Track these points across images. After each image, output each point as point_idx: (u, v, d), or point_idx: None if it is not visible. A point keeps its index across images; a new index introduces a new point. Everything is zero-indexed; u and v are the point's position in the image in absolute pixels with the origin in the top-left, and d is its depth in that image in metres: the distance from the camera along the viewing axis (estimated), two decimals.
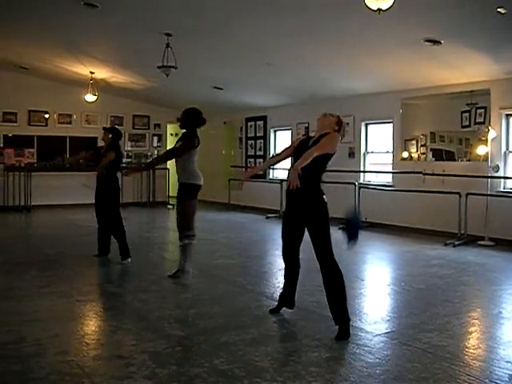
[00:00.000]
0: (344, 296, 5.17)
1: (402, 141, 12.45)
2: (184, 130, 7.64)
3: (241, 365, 4.31)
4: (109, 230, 8.73)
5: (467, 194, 10.58)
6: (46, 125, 17.10)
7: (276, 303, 6.02)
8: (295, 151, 5.51)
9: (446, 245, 10.29)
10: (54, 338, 4.94)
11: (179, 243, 7.26)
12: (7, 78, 15.93)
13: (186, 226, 7.15)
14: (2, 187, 15.90)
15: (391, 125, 12.71)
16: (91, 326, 5.64)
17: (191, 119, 7.63)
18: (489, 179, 10.57)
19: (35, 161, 16.75)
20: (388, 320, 5.70)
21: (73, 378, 4.04)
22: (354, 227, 5.42)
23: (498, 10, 7.10)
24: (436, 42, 8.78)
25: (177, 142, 7.53)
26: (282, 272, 8.20)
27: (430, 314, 5.85)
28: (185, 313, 5.84)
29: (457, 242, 10.38)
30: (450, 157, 11.51)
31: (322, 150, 5.13)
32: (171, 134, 20.51)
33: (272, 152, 16.60)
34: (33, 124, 16.89)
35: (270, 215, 14.83)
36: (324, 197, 5.20)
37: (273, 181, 16.07)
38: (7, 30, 11.29)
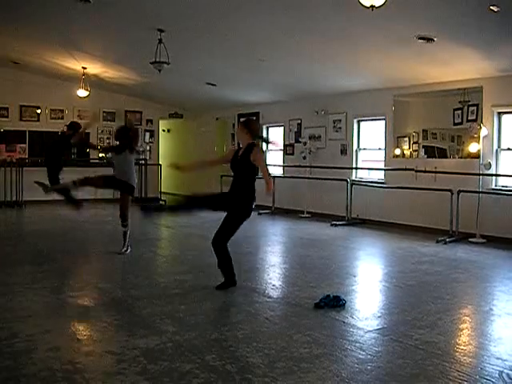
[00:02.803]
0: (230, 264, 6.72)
1: (394, 138, 12.47)
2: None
3: (232, 361, 4.32)
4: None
5: (459, 192, 10.60)
6: (38, 120, 17.05)
7: (267, 299, 6.05)
8: (231, 160, 6.77)
9: (437, 242, 10.32)
10: (45, 334, 4.93)
11: (124, 229, 9.12)
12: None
13: (126, 217, 9.14)
14: None
15: (383, 122, 12.72)
16: (82, 322, 5.62)
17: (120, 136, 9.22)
18: (480, 176, 10.60)
19: (27, 156, 16.70)
20: (379, 316, 5.71)
21: (64, 374, 4.03)
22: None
23: (491, 7, 7.12)
24: (429, 40, 8.79)
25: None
26: (275, 268, 8.30)
27: (422, 311, 5.86)
28: (176, 309, 5.82)
29: (448, 239, 10.41)
30: (442, 154, 11.54)
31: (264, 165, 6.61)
32: (163, 130, 20.49)
33: (264, 148, 16.58)
34: (24, 119, 16.84)
35: (262, 211, 14.84)
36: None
37: None
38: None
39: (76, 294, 6.45)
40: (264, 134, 6.57)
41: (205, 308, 5.88)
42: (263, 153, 6.90)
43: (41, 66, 15.17)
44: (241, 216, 6.72)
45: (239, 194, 6.65)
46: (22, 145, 16.81)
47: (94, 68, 14.43)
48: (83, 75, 14.79)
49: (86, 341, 4.85)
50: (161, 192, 18.66)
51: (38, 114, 17.07)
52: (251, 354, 4.45)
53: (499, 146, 10.75)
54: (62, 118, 17.33)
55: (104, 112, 18.08)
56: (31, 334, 4.93)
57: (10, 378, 3.96)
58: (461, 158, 11.16)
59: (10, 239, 10.48)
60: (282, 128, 15.75)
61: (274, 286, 7.07)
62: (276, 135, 16.28)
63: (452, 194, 10.71)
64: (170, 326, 5.18)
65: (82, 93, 15.24)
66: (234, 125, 17.68)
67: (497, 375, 4.11)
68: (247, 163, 6.52)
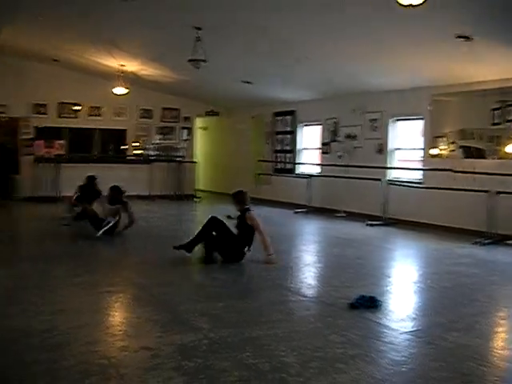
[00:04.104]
0: None
1: (431, 137, 12.34)
2: None
3: (266, 359, 4.32)
4: None
5: (497, 193, 10.45)
6: (76, 117, 17.25)
7: (302, 298, 6.09)
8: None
9: (474, 243, 10.18)
10: (82, 328, 5.00)
11: None
12: (39, 70, 16.11)
13: None
14: (32, 178, 16.10)
15: (421, 121, 12.60)
16: (119, 316, 5.71)
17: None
18: None
19: (65, 152, 16.91)
20: (414, 318, 5.66)
21: (100, 369, 4.08)
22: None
23: None
24: (467, 38, 8.67)
25: None
26: (310, 267, 8.31)
27: (457, 313, 5.81)
28: (212, 306, 5.85)
29: (485, 241, 10.26)
30: (480, 154, 11.38)
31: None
32: (200, 128, 20.56)
33: (300, 147, 16.56)
34: (63, 116, 17.07)
35: (297, 210, 14.82)
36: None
37: (301, 176, 16.05)
38: (41, 24, 11.40)
39: (113, 289, 6.52)
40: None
41: (240, 306, 5.90)
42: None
43: (79, 64, 15.35)
44: None
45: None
46: (60, 141, 17.04)
47: (131, 66, 14.55)
48: (121, 73, 14.93)
49: (121, 336, 4.90)
50: (196, 189, 18.74)
51: (76, 111, 17.26)
52: (285, 353, 4.45)
53: None
54: (100, 115, 17.54)
55: (141, 109, 18.21)
56: (70, 327, 5.01)
57: (49, 370, 4.04)
58: (499, 158, 11.00)
59: (50, 234, 10.61)
60: (319, 127, 15.69)
61: (309, 285, 7.08)
62: (312, 134, 16.26)
63: (490, 195, 10.56)
64: (205, 323, 5.21)
65: (119, 90, 15.35)
66: (269, 123, 17.67)
67: None
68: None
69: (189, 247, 8.26)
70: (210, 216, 8.37)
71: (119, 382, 3.88)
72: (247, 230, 8.20)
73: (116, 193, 10.75)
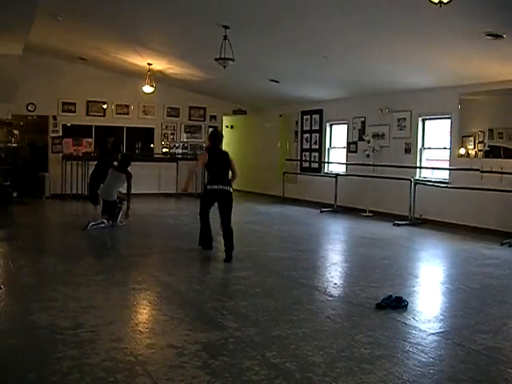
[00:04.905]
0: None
1: (459, 137, 12.23)
2: None
3: (293, 359, 4.32)
4: None
5: None
6: (104, 115, 17.36)
7: (328, 297, 6.08)
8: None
9: (502, 244, 10.05)
10: (108, 325, 5.03)
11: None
12: (67, 68, 16.23)
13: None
14: (60, 176, 16.24)
15: (449, 120, 12.49)
16: (145, 314, 5.73)
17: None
18: None
19: (93, 150, 17.02)
20: (442, 319, 5.62)
21: (126, 366, 4.11)
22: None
23: None
24: (498, 36, 8.56)
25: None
26: (336, 267, 8.29)
27: (485, 315, 5.75)
28: (238, 305, 5.87)
29: None
30: (509, 154, 11.24)
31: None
32: (227, 126, 20.55)
33: (327, 145, 16.50)
34: (91, 114, 17.17)
35: (324, 209, 14.77)
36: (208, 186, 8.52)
37: (328, 175, 15.99)
38: (69, 22, 11.49)
39: (138, 286, 6.55)
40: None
41: (266, 305, 5.90)
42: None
43: (107, 63, 15.46)
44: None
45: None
46: (88, 139, 17.16)
47: (159, 64, 14.61)
48: (148, 71, 14.99)
49: (147, 333, 4.93)
50: None
51: (104, 110, 17.38)
52: (312, 353, 4.45)
53: None
54: (128, 114, 17.62)
55: (168, 108, 18.27)
56: (95, 324, 5.04)
57: (75, 366, 4.06)
58: None
59: (77, 231, 10.68)
60: (346, 125, 15.62)
61: (335, 284, 7.05)
62: (339, 133, 16.20)
63: None
64: (231, 322, 5.22)
65: (147, 89, 15.42)
66: (297, 122, 17.62)
67: None
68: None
69: (204, 244, 8.69)
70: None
71: (146, 379, 3.90)
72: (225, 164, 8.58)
73: (125, 161, 11.59)
